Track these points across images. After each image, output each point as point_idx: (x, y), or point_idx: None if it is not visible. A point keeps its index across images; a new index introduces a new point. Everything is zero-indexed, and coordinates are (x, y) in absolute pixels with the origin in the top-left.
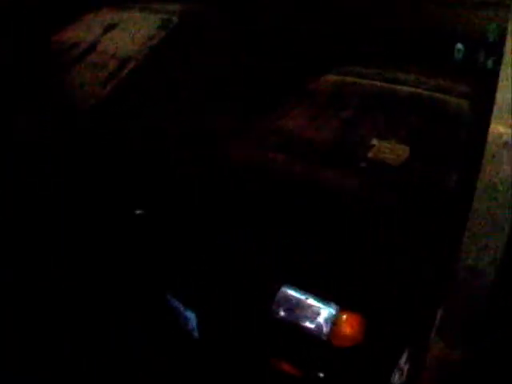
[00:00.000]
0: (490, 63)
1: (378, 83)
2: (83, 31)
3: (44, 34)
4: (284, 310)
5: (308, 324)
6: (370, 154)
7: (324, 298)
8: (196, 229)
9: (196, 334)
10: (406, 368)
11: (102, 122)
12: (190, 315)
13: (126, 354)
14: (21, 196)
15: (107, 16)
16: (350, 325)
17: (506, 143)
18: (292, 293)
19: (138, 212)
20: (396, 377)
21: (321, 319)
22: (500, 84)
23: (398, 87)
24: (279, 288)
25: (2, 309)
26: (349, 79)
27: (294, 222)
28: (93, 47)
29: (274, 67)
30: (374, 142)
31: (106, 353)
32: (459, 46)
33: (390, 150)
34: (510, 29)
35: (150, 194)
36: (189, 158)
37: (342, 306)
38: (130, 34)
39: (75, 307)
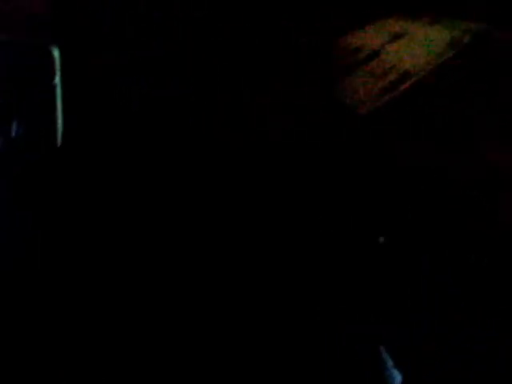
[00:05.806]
0: None
1: None
2: (369, 37)
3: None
4: None
5: None
6: None
7: None
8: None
9: None
10: None
11: (371, 131)
12: (397, 376)
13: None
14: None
15: (395, 24)
16: None
17: None
18: None
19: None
20: None
21: None
22: None
23: None
24: None
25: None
26: None
27: None
28: (375, 54)
29: None
30: None
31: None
32: None
33: None
34: None
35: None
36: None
37: None
38: (415, 47)
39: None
